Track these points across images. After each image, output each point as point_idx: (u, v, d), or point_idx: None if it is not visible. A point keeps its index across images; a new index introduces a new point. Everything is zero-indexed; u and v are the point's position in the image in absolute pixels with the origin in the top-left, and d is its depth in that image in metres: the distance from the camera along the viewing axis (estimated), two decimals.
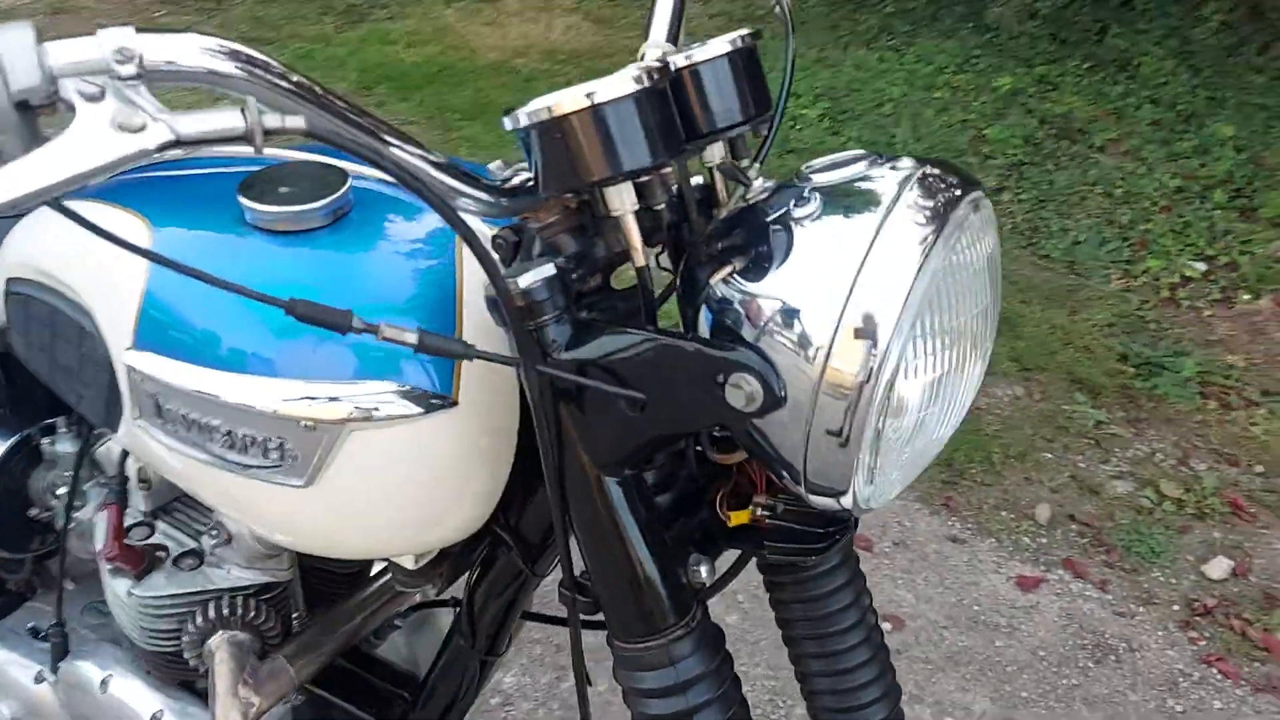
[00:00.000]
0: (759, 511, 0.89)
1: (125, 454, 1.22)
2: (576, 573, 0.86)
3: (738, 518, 0.90)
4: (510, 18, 5.52)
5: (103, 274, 0.98)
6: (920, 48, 5.26)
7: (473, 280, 0.92)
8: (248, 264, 0.92)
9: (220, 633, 1.15)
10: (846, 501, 0.75)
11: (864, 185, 0.73)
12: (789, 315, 0.71)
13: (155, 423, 0.95)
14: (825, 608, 0.98)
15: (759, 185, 0.80)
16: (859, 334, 0.68)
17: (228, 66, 0.66)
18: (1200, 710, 2.28)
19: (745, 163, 0.86)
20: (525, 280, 0.77)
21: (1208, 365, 3.25)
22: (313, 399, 0.87)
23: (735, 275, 0.76)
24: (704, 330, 0.78)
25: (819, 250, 0.71)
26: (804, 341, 0.70)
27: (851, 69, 5.08)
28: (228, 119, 0.62)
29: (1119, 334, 3.41)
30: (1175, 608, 2.51)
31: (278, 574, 1.19)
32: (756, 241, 0.75)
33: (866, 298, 0.68)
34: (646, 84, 0.73)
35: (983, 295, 0.74)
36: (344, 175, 0.94)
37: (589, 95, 0.72)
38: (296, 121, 0.63)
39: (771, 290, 0.73)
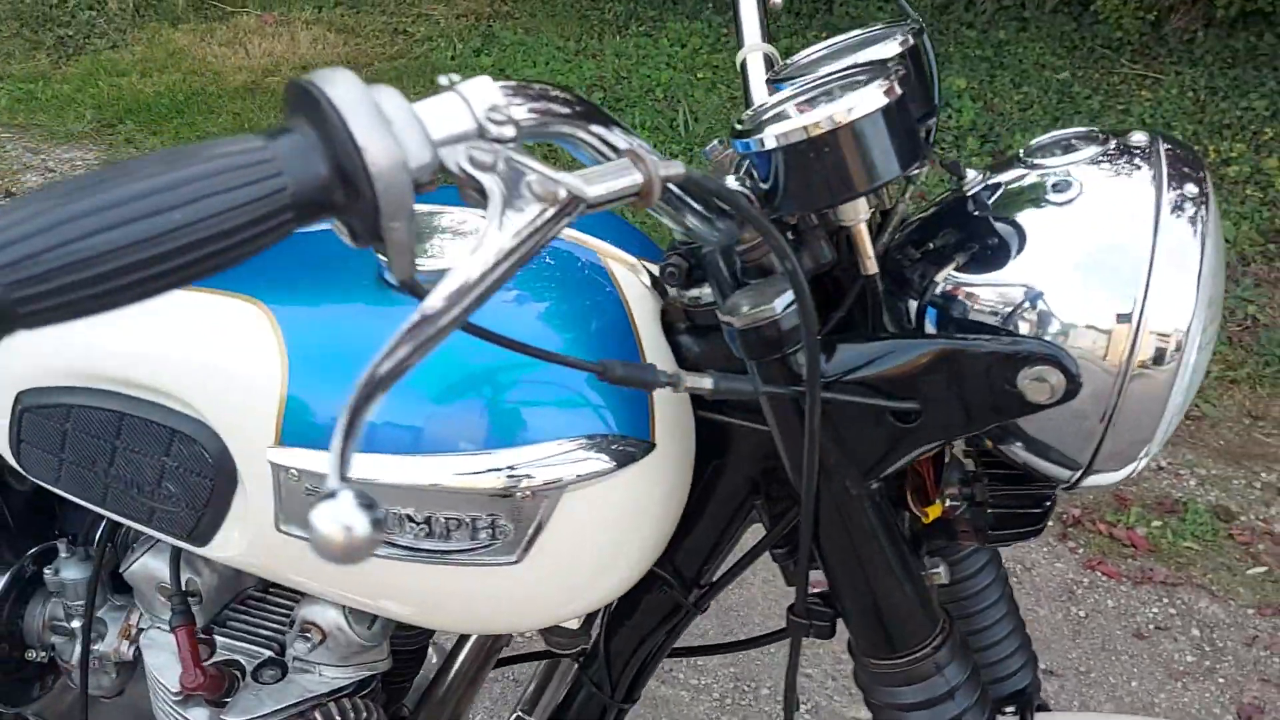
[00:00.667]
0: (947, 503, 0.91)
1: (179, 569, 1.08)
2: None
3: (933, 512, 0.91)
4: (249, 36, 5.21)
5: (220, 370, 0.87)
6: (671, 31, 5.39)
7: (641, 310, 0.88)
8: (395, 325, 0.84)
9: None
10: (1120, 476, 0.78)
11: (1120, 163, 0.75)
12: (1067, 300, 0.73)
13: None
14: (978, 584, 1.02)
15: (972, 175, 0.81)
16: (1164, 311, 0.71)
17: (582, 116, 0.61)
18: (1099, 611, 2.50)
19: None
20: (780, 306, 0.75)
21: None
22: (525, 467, 0.81)
23: (961, 269, 0.77)
24: (926, 328, 0.79)
25: (1097, 231, 0.73)
26: (1097, 325, 0.72)
27: (613, 57, 5.14)
28: (624, 174, 0.57)
29: None
30: (1050, 523, 2.73)
31: (375, 666, 1.10)
32: (985, 232, 0.77)
33: (1166, 275, 0.71)
34: (896, 94, 0.73)
35: (1223, 258, 0.79)
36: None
37: (847, 111, 0.71)
38: (676, 169, 0.58)
39: (1034, 278, 0.74)
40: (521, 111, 0.57)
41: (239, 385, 0.86)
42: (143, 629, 1.16)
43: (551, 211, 0.53)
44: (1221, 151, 4.26)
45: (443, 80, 0.56)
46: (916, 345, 0.75)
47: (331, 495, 0.46)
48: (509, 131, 0.55)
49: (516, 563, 0.84)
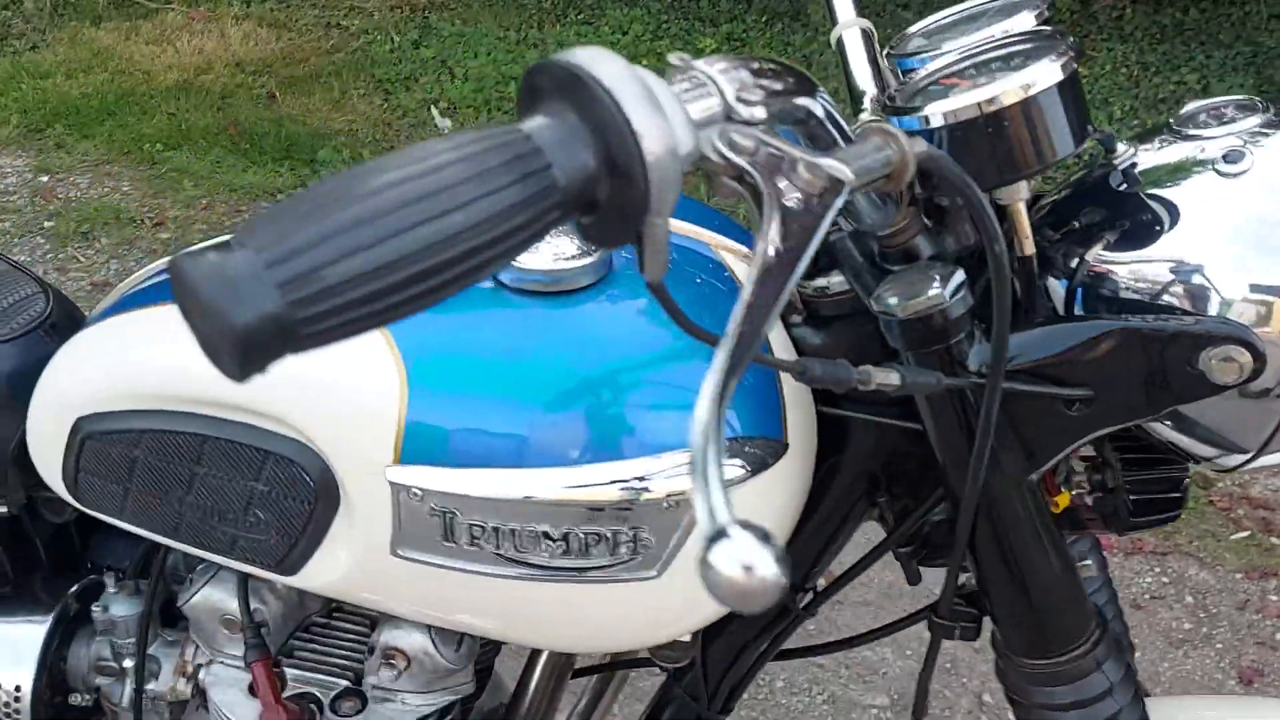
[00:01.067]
0: (1074, 492, 0.89)
1: (247, 599, 1.02)
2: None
3: (1062, 502, 0.89)
4: (177, 33, 5.03)
5: (329, 387, 0.81)
6: (611, 19, 5.33)
7: None
8: (520, 331, 0.79)
9: None
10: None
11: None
12: (1233, 274, 0.71)
13: (434, 548, 0.81)
14: (1086, 575, 1.00)
15: (1122, 149, 0.78)
16: None
17: (810, 91, 0.56)
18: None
19: None
20: (949, 294, 0.71)
21: None
22: (665, 476, 0.77)
23: (1111, 247, 0.74)
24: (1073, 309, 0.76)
25: (1277, 201, 0.71)
26: (1272, 298, 0.70)
27: (556, 46, 5.06)
28: (877, 153, 0.52)
29: None
30: None
31: (459, 690, 1.05)
32: (1136, 207, 0.74)
33: None
34: (1072, 68, 0.69)
35: None
36: None
37: (1025, 87, 0.68)
38: (921, 145, 0.54)
39: (1195, 253, 0.72)
40: (766, 90, 0.52)
41: (351, 402, 0.80)
42: (201, 664, 1.09)
43: (817, 198, 0.49)
44: None
45: (674, 59, 0.51)
46: (1090, 328, 0.73)
47: (723, 535, 0.40)
48: (760, 113, 0.50)
49: (656, 576, 0.80)
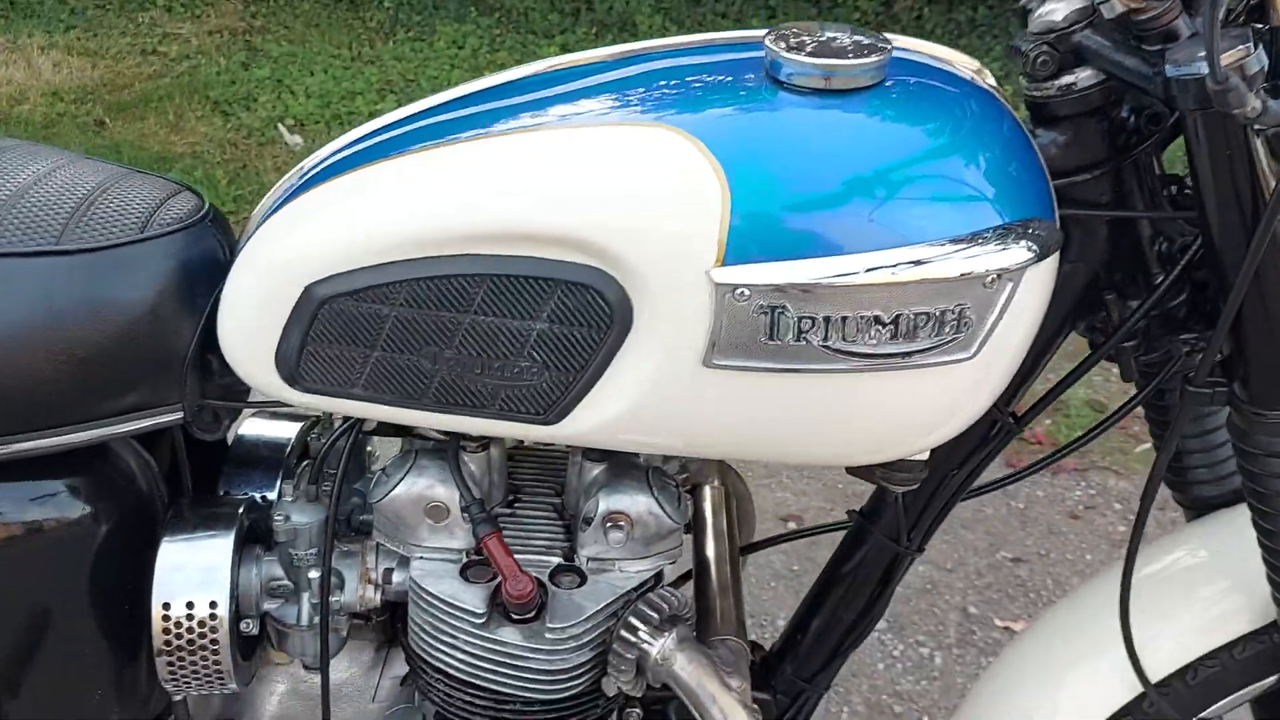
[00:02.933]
0: None
1: (461, 475, 0.98)
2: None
3: None
4: None
5: (641, 199, 0.80)
6: (443, 35, 5.30)
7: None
8: (830, 126, 0.81)
9: (665, 637, 0.98)
10: None
11: None
12: None
13: (754, 350, 0.81)
14: None
15: None
16: None
17: None
18: (1034, 502, 2.70)
19: None
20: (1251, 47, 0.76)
21: None
22: (988, 252, 0.80)
23: None
24: None
25: None
26: None
27: (394, 61, 5.00)
28: None
29: None
30: None
31: (671, 555, 1.04)
32: None
33: None
34: None
35: None
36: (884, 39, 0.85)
37: None
38: None
39: None
40: None
41: (669, 212, 0.79)
42: (390, 568, 1.04)
43: None
44: None
45: None
46: None
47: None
48: None
49: (971, 357, 0.82)
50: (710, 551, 1.15)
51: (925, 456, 0.97)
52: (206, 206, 0.99)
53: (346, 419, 1.00)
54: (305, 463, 1.09)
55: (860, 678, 2.14)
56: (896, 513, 1.07)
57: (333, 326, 0.87)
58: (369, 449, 1.19)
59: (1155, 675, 1.08)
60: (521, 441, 1.08)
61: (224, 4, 5.46)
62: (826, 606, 1.14)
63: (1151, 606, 1.08)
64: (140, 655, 1.02)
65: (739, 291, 0.79)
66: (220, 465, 1.10)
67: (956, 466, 1.05)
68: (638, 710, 1.15)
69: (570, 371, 0.85)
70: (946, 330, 0.81)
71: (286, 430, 1.14)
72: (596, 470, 1.02)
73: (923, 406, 0.85)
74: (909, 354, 0.81)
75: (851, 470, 1.05)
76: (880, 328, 0.80)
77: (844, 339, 0.80)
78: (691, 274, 0.80)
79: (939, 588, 2.39)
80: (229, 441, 1.14)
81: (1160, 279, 0.93)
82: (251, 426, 1.15)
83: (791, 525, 2.59)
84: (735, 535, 1.18)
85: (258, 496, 1.06)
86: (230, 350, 0.91)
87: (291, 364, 0.89)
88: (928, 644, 2.25)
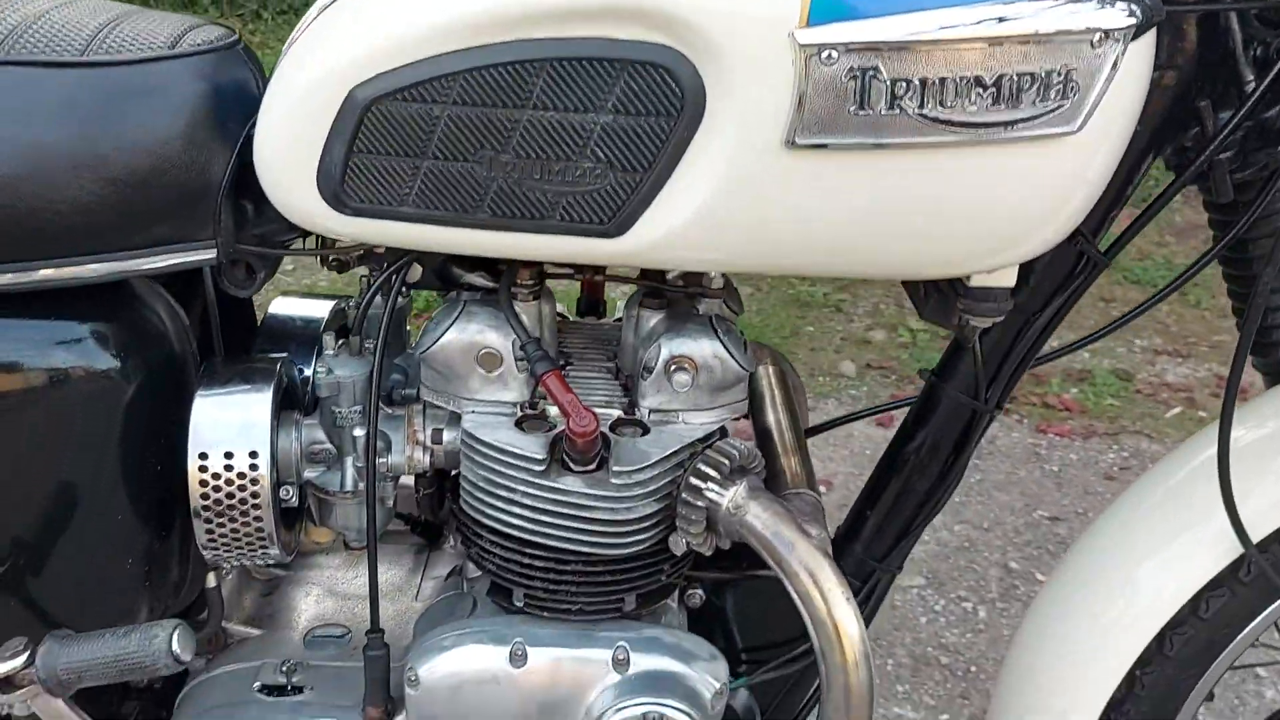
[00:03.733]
0: None
1: (515, 314, 0.91)
2: None
3: None
4: None
5: None
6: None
7: None
8: None
9: (735, 486, 0.91)
10: None
11: None
12: None
13: (844, 124, 0.75)
14: None
15: None
16: None
17: None
18: (1067, 465, 2.63)
19: None
20: None
21: None
22: (1094, 8, 0.74)
23: None
24: None
25: None
26: None
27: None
28: None
29: None
30: None
31: (736, 408, 0.97)
32: None
33: None
34: None
35: None
36: None
37: None
38: None
39: None
40: None
41: None
42: (439, 428, 0.97)
43: None
44: None
45: None
46: None
47: None
48: None
49: (1076, 130, 0.76)
50: (771, 420, 1.08)
51: (1011, 282, 0.91)
52: (237, 35, 0.93)
53: (388, 268, 0.94)
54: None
55: (903, 631, 2.06)
56: (974, 366, 1.00)
57: (379, 134, 0.80)
58: (407, 329, 1.13)
59: (1254, 537, 1.02)
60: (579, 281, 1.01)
61: None
62: (898, 479, 1.07)
63: (1245, 469, 1.02)
64: (173, 524, 0.95)
65: (826, 54, 0.73)
66: (250, 344, 1.03)
67: (1038, 310, 0.98)
68: (699, 592, 1.08)
69: (637, 170, 0.79)
70: (1052, 96, 0.75)
71: (318, 309, 1.08)
72: (656, 319, 0.96)
73: (1026, 193, 0.79)
74: (1012, 123, 0.75)
75: (928, 315, 0.99)
76: (981, 91, 0.74)
77: (942, 105, 0.74)
78: (772, 38, 0.73)
79: (977, 546, 2.32)
80: (259, 323, 1.08)
81: (1255, 85, 0.88)
82: (282, 305, 1.08)
83: (821, 490, 2.53)
84: (795, 407, 1.11)
85: (296, 367, 1.00)
86: (268, 176, 0.85)
87: (335, 181, 0.82)
88: (970, 599, 2.17)
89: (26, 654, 0.83)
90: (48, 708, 0.86)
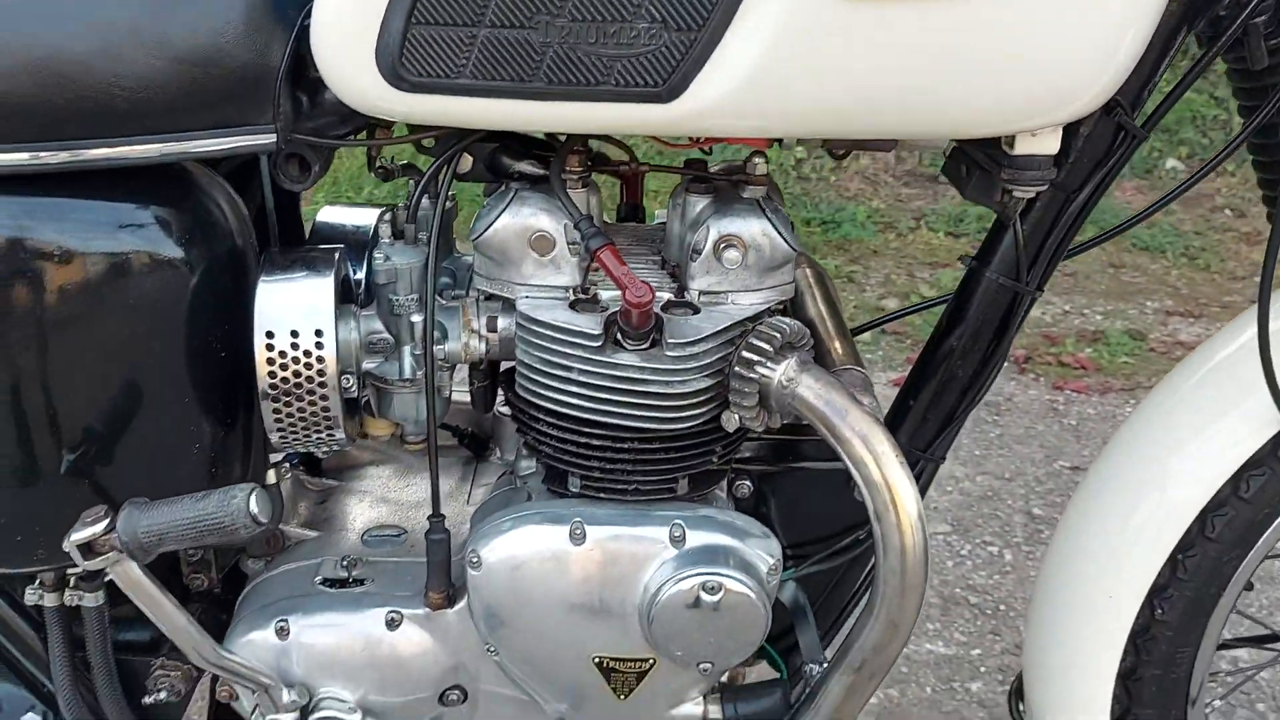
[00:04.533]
0: None
1: (567, 195, 0.93)
2: None
3: None
4: None
5: None
6: None
7: None
8: None
9: (785, 360, 0.93)
10: None
11: None
12: None
13: None
14: None
15: None
16: None
17: None
18: (1085, 419, 2.65)
19: None
20: None
21: None
22: None
23: None
24: None
25: None
26: None
27: None
28: None
29: None
30: (1008, 363, 2.88)
31: (784, 290, 0.99)
32: None
33: None
34: None
35: None
36: None
37: None
38: None
39: None
40: None
41: None
42: (493, 315, 0.99)
43: None
44: None
45: None
46: None
47: None
48: None
49: None
50: (813, 312, 1.10)
51: (1055, 149, 0.93)
52: None
53: (439, 159, 0.96)
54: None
55: (931, 574, 2.06)
56: (1015, 249, 1.02)
57: (437, 3, 0.82)
58: (453, 235, 1.15)
59: None
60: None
61: None
62: (941, 366, 1.08)
63: None
64: (236, 415, 0.97)
65: None
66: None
67: (1078, 187, 1.00)
68: (747, 483, 1.10)
69: (691, 28, 0.81)
70: None
71: (365, 216, 1.10)
72: (703, 203, 0.98)
73: (1073, 46, 0.81)
74: None
75: (970, 194, 1.01)
76: None
77: None
78: None
79: (1000, 495, 2.33)
80: (307, 234, 1.10)
81: None
82: (329, 214, 1.10)
83: None
84: (835, 301, 1.13)
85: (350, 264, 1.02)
86: (326, 56, 0.87)
87: (393, 55, 0.84)
88: (995, 543, 2.18)
89: (107, 520, 0.85)
90: (126, 575, 0.87)
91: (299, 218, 1.13)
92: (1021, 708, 1.27)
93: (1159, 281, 3.41)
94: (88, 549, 0.84)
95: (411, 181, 1.04)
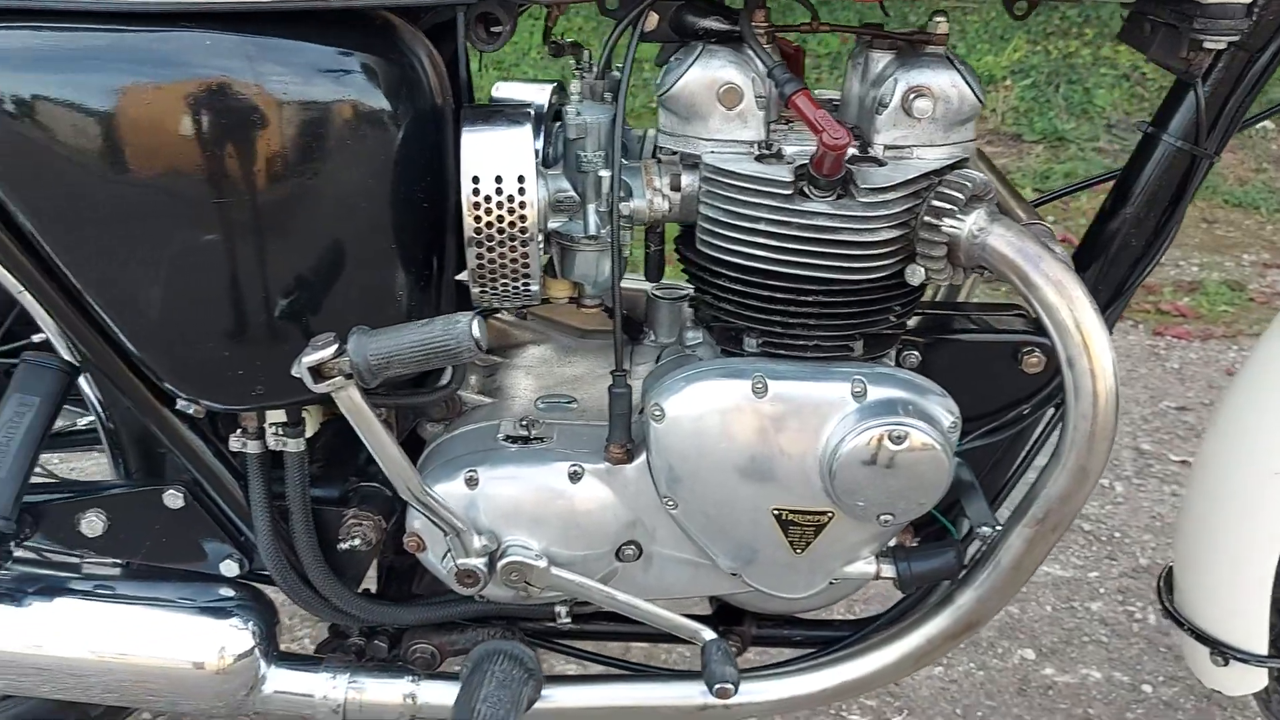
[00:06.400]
0: None
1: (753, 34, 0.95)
2: None
3: None
4: None
5: None
6: None
7: None
8: None
9: (974, 212, 0.94)
10: None
11: None
12: None
13: None
14: None
15: None
16: None
17: None
18: (1187, 363, 2.63)
19: None
20: None
21: None
22: None
23: None
24: None
25: None
26: None
27: None
28: None
29: None
30: None
31: (967, 148, 1.00)
32: None
33: None
34: None
35: None
36: None
37: None
38: None
39: None
40: None
41: None
42: (678, 174, 1.00)
43: None
44: None
45: None
46: None
47: None
48: None
49: None
50: (986, 173, 1.11)
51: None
52: None
53: (628, 17, 0.97)
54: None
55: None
56: (1196, 109, 1.02)
57: None
58: None
59: None
60: None
61: None
62: (1115, 235, 1.08)
63: None
64: (433, 264, 0.99)
65: None
66: None
67: (1261, 47, 1.00)
68: (915, 352, 1.11)
69: None
70: None
71: (540, 91, 1.12)
72: (886, 59, 0.99)
73: None
74: None
75: (1153, 54, 1.01)
76: None
77: None
78: None
79: None
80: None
81: None
82: (505, 89, 1.13)
83: None
84: (997, 170, 1.14)
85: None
86: None
87: None
88: (1106, 476, 2.17)
89: (337, 345, 0.88)
90: (350, 400, 0.90)
91: (473, 93, 1.16)
92: (1172, 598, 1.27)
93: (1253, 236, 3.37)
94: (316, 372, 0.87)
95: (604, 40, 1.06)
